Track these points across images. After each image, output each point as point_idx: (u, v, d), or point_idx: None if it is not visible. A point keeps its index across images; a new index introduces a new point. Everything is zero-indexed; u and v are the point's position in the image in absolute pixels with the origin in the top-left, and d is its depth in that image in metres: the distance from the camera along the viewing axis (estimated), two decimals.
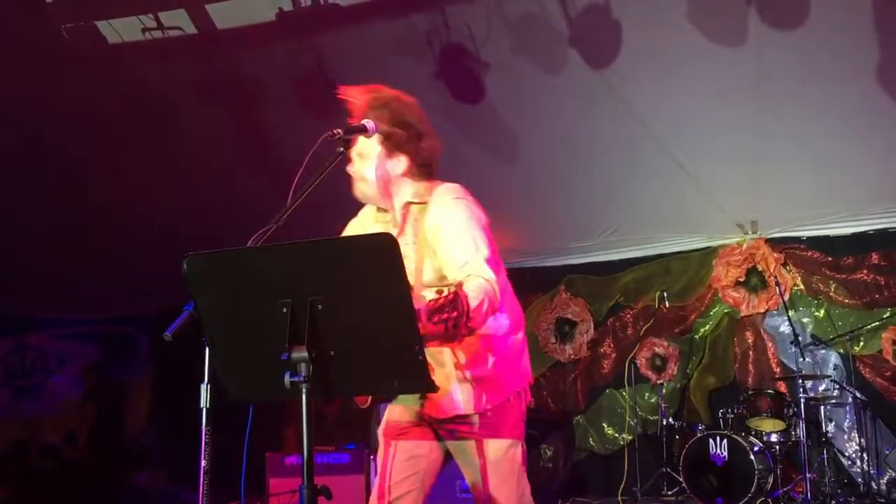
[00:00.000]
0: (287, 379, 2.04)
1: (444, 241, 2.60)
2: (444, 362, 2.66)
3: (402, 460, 2.76)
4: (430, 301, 2.14)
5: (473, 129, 6.40)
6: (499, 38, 5.83)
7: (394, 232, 2.68)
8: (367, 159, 2.74)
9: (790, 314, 7.14)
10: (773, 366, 7.65)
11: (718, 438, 6.67)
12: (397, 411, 2.82)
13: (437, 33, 5.91)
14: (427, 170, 2.78)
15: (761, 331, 7.78)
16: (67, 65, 6.01)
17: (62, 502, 8.61)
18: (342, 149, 2.66)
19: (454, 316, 2.10)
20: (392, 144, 2.69)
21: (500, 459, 2.70)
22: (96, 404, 10.39)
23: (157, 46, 5.97)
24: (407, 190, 2.76)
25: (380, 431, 2.86)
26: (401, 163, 2.73)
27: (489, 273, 2.46)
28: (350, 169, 2.78)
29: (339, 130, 2.65)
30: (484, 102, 6.28)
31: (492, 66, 6.06)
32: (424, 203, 2.72)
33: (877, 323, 7.20)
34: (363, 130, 2.70)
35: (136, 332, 10.56)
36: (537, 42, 5.89)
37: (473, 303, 2.24)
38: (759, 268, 7.76)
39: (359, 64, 6.14)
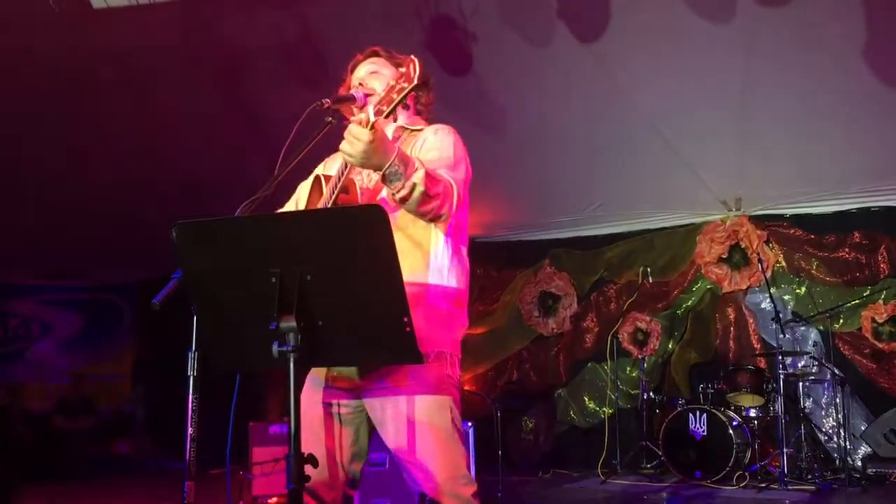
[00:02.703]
0: (275, 348, 2.04)
1: (427, 155, 2.67)
2: None
3: None
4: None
5: (460, 101, 6.37)
6: (487, 10, 5.78)
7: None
8: (380, 77, 2.82)
9: (771, 291, 7.20)
10: (754, 342, 7.72)
11: (698, 413, 6.74)
12: None
13: (425, 3, 5.86)
14: (423, 115, 2.92)
15: (743, 307, 7.85)
16: (51, 29, 5.92)
17: (45, 469, 8.62)
18: (330, 118, 2.66)
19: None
20: (405, 77, 2.69)
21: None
22: (81, 372, 10.39)
23: (142, 12, 5.89)
24: (402, 117, 2.87)
25: None
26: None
27: (457, 183, 2.58)
28: (360, 77, 2.88)
29: (327, 101, 2.65)
30: (471, 74, 6.24)
31: (479, 38, 6.02)
32: (418, 131, 2.81)
33: (857, 301, 7.28)
34: (352, 100, 2.71)
35: (119, 299, 10.54)
36: (525, 14, 5.85)
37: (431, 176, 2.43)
38: (742, 245, 7.81)
39: (346, 33, 6.09)
